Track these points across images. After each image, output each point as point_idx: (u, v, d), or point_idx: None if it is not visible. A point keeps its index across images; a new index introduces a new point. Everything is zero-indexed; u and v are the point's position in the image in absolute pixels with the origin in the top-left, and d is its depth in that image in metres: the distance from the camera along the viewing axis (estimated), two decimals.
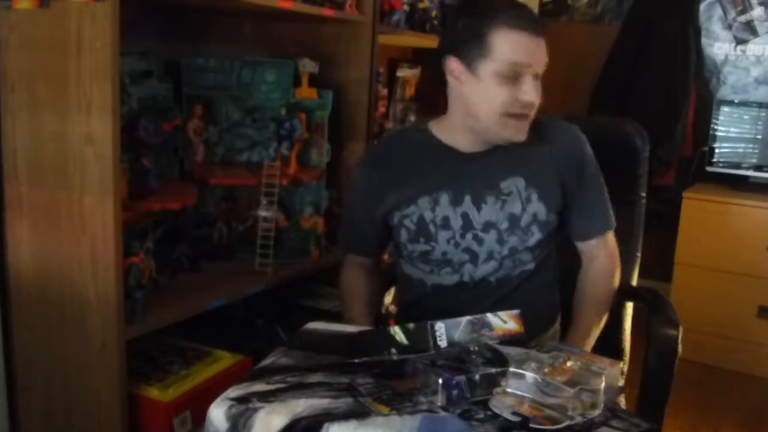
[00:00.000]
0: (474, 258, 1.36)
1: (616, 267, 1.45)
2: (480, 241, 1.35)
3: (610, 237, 1.44)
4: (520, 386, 1.00)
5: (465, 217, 1.36)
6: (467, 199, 1.36)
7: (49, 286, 1.37)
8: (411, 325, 1.08)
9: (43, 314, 1.40)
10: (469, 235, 1.36)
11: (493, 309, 1.18)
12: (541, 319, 1.43)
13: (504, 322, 1.10)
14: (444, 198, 1.36)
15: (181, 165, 1.75)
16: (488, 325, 1.09)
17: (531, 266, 1.38)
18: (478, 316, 1.09)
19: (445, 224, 1.36)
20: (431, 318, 1.14)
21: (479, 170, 1.36)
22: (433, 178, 1.38)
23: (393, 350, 1.07)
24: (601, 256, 1.43)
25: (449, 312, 1.16)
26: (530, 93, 1.26)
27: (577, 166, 1.38)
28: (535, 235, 1.35)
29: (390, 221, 1.41)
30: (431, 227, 1.37)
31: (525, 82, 1.26)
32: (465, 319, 1.08)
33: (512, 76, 1.25)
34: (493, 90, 1.26)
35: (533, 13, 1.29)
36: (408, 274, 1.44)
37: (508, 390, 1.00)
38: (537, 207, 1.35)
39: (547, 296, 1.46)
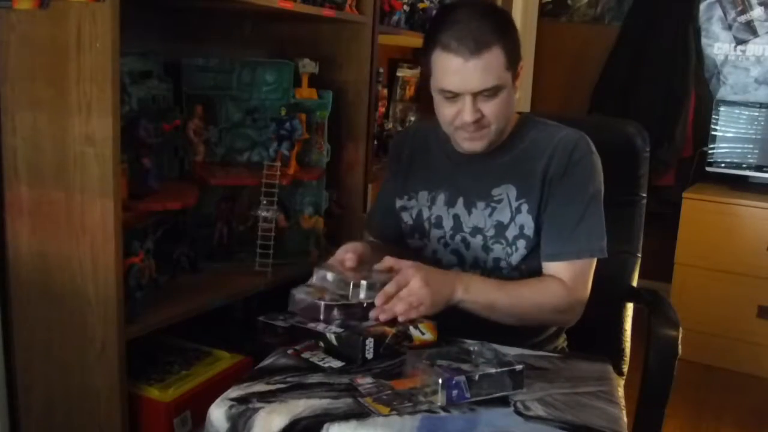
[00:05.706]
0: (461, 261, 1.36)
1: (570, 298, 1.26)
2: (467, 245, 1.35)
3: (581, 267, 1.27)
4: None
5: (456, 219, 1.36)
6: (460, 201, 1.36)
7: (50, 287, 1.37)
8: (343, 333, 1.09)
9: (43, 314, 1.40)
10: (458, 237, 1.36)
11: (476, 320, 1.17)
12: (534, 330, 1.36)
13: (423, 333, 1.13)
14: (441, 197, 1.38)
15: (181, 165, 1.74)
16: (409, 338, 1.12)
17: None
18: (401, 329, 1.12)
19: (438, 223, 1.38)
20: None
21: (475, 174, 1.35)
22: (435, 176, 1.40)
23: (321, 344, 1.12)
24: (556, 281, 1.26)
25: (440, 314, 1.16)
26: (466, 114, 1.22)
27: (565, 171, 1.29)
28: (520, 251, 1.31)
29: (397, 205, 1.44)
30: (426, 225, 1.39)
31: (463, 102, 1.23)
32: (390, 334, 1.11)
33: (451, 95, 1.23)
34: (440, 105, 1.28)
35: (475, 31, 1.18)
36: None
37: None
38: (525, 219, 1.31)
39: None
